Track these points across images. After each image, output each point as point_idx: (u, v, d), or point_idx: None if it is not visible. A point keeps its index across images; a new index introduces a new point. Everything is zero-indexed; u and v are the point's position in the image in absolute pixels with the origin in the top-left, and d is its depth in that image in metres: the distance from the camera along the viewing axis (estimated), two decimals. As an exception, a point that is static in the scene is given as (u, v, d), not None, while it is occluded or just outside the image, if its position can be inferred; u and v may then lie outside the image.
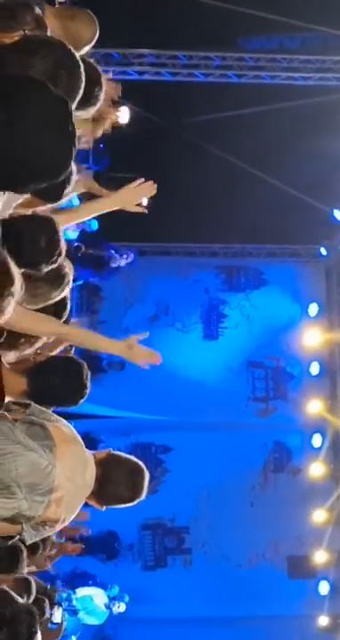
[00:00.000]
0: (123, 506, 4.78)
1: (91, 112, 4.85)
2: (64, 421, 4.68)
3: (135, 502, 4.78)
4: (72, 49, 3.68)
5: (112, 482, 4.70)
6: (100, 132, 7.04)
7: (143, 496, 4.78)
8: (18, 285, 4.04)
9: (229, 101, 16.64)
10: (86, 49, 5.20)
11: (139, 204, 5.69)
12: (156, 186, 5.55)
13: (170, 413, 18.40)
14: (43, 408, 4.68)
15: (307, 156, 16.47)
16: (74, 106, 3.55)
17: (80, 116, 4.68)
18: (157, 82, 16.34)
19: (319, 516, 18.75)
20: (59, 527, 4.65)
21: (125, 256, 17.73)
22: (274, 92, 16.53)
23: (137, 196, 5.61)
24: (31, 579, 7.82)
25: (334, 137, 16.34)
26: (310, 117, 16.27)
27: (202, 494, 18.65)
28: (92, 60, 4.98)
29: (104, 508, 4.80)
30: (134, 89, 15.46)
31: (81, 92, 3.59)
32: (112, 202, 5.82)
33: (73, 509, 4.61)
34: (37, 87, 3.24)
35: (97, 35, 5.41)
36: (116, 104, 7.72)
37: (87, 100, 4.48)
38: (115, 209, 5.72)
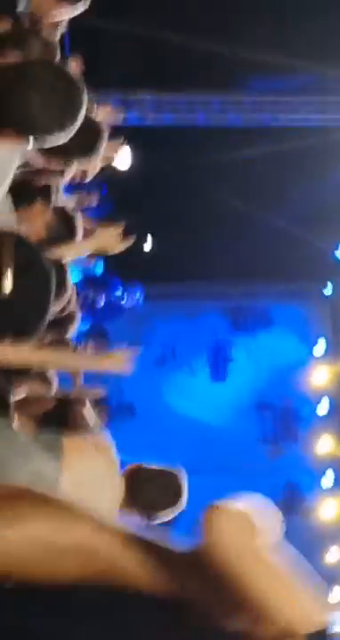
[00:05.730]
0: (165, 513, 4.61)
1: (93, 163, 4.87)
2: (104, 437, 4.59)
3: (177, 505, 4.59)
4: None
5: (142, 489, 4.56)
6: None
7: (183, 497, 4.61)
8: None
9: (231, 143, 16.70)
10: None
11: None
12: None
13: (179, 457, 18.26)
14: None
15: (310, 197, 16.52)
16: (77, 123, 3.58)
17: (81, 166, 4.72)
18: (157, 125, 16.40)
19: (333, 556, 18.59)
20: None
21: (131, 296, 17.69)
22: (275, 133, 16.59)
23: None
24: None
25: (336, 176, 16.39)
26: (312, 158, 16.32)
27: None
28: (92, 115, 5.00)
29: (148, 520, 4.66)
30: (135, 133, 15.52)
31: (83, 111, 3.59)
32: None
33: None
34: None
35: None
36: (117, 146, 7.70)
37: (89, 150, 4.49)
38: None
